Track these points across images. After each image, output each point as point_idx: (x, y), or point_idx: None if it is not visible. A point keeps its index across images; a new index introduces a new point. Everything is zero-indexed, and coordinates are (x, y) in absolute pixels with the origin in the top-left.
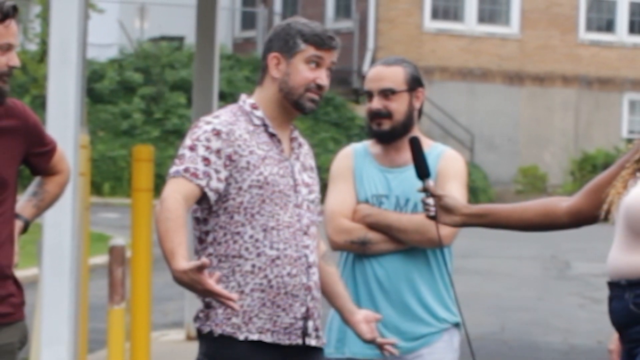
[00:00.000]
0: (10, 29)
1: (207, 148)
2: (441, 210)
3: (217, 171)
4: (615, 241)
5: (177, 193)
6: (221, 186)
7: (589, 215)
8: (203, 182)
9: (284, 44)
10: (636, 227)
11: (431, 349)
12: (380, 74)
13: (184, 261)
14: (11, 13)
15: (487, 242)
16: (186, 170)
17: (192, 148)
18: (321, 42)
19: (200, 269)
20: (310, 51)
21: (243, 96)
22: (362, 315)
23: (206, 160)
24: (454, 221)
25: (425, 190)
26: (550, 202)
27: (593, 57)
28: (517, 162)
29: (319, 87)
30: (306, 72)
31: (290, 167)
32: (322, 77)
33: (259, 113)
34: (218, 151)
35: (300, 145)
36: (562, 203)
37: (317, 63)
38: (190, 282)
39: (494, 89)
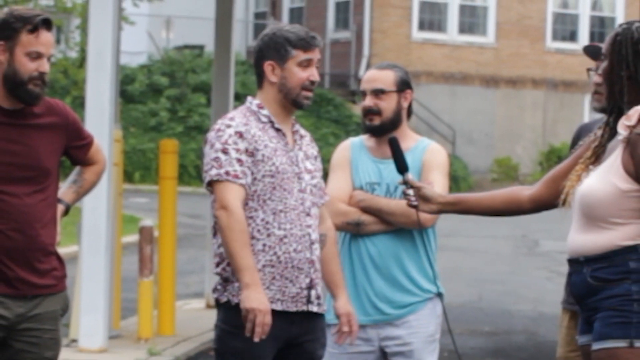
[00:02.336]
0: (39, 39)
1: (237, 150)
2: (420, 199)
3: (249, 168)
4: (572, 225)
5: (237, 201)
6: (250, 180)
7: (548, 202)
8: (244, 181)
9: (276, 52)
10: (588, 212)
11: (417, 315)
12: (374, 76)
13: (259, 289)
14: (40, 25)
15: (467, 224)
16: (227, 173)
17: (225, 151)
18: (307, 44)
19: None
20: (300, 55)
21: (249, 98)
22: (341, 311)
23: (240, 161)
24: (431, 209)
25: (405, 182)
26: (514, 191)
27: (558, 63)
28: (492, 154)
29: (312, 83)
30: (300, 73)
31: (295, 157)
32: (314, 74)
33: (265, 112)
34: (245, 150)
35: (301, 137)
36: (525, 192)
37: (307, 63)
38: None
39: (473, 91)
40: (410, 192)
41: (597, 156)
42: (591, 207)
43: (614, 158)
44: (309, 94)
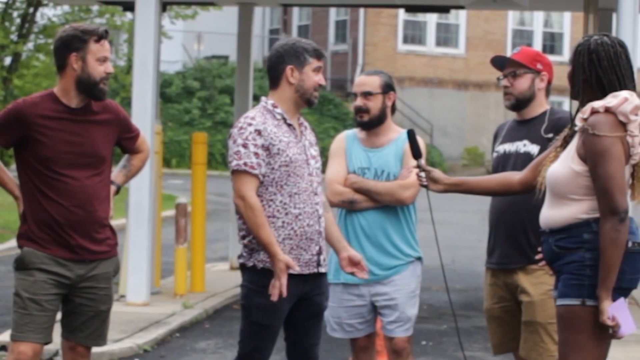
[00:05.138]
0: (104, 46)
1: (255, 145)
2: (430, 180)
3: (264, 160)
4: (545, 201)
5: (251, 191)
6: (265, 170)
7: (534, 184)
8: (257, 171)
9: (296, 58)
10: (554, 190)
11: (400, 276)
12: (363, 81)
13: (281, 254)
14: (104, 35)
15: (442, 201)
16: (245, 164)
17: (245, 146)
18: (319, 54)
19: (288, 267)
20: (315, 63)
21: (263, 98)
22: (347, 255)
23: (256, 154)
24: (439, 189)
25: (418, 166)
26: (507, 175)
27: None
28: (463, 144)
29: (320, 86)
30: (314, 77)
31: (304, 146)
32: (322, 79)
33: (278, 110)
34: (262, 146)
35: (305, 127)
36: (515, 176)
37: (318, 70)
38: (278, 268)
39: (447, 93)
40: (422, 174)
41: (565, 144)
42: (554, 186)
43: (572, 145)
44: (317, 94)
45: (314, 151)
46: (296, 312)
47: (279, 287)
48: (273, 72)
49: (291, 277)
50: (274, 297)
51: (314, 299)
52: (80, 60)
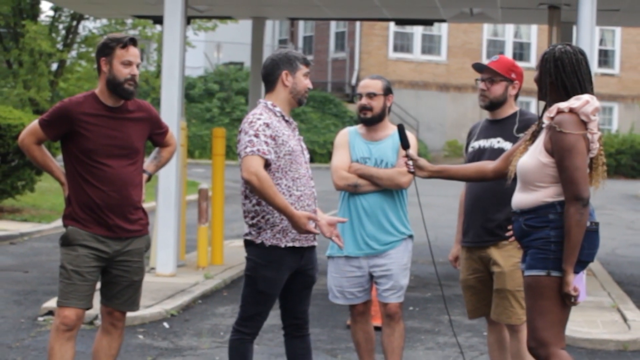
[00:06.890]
0: (129, 52)
1: (265, 135)
2: (416, 168)
3: (273, 148)
4: (516, 187)
5: (261, 167)
6: (274, 157)
7: (505, 172)
8: (269, 156)
9: (290, 65)
10: (524, 178)
11: (395, 250)
12: (368, 84)
13: (297, 211)
14: (129, 42)
15: (427, 186)
16: (258, 150)
17: (257, 135)
18: (307, 62)
19: (309, 217)
20: (304, 69)
21: (262, 100)
22: (325, 220)
23: (266, 143)
24: (424, 175)
25: (406, 156)
26: (482, 164)
27: None
28: (444, 138)
29: (309, 89)
30: (305, 81)
31: (298, 140)
32: (310, 83)
33: (278, 109)
34: (270, 136)
35: (295, 125)
36: (489, 165)
37: (307, 75)
38: (301, 224)
39: (431, 94)
40: (410, 162)
41: (534, 139)
42: (524, 175)
43: (540, 140)
44: (307, 96)
45: (304, 143)
46: (292, 283)
47: (315, 229)
48: (269, 77)
49: (291, 250)
50: (315, 230)
51: (308, 272)
52: (108, 64)
